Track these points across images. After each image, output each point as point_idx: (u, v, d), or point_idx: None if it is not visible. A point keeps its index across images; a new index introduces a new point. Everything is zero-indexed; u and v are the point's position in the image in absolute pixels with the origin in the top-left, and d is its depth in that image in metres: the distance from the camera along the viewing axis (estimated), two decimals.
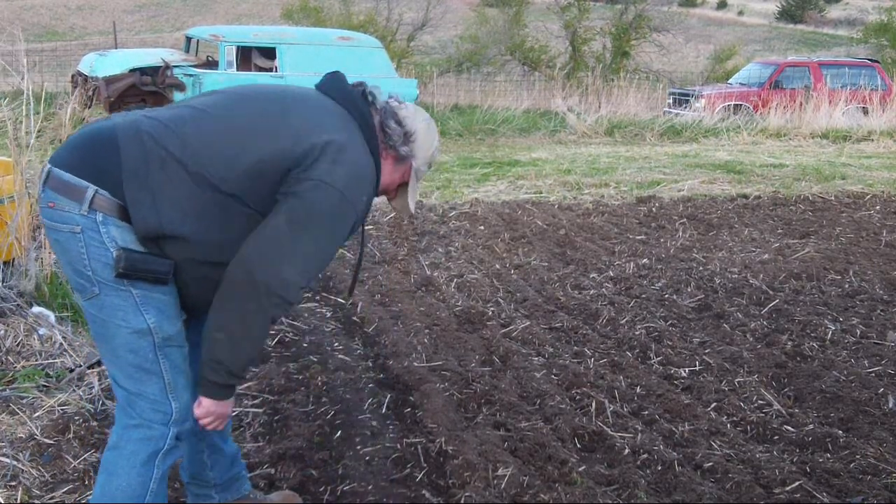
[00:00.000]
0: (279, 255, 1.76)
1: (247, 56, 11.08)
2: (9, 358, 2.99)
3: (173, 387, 1.86)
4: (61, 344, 3.11)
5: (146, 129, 1.80)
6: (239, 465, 2.23)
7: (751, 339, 3.72)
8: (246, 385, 3.06)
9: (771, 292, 4.37)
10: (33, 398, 2.82)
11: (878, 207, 6.75)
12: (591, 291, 4.34)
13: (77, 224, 1.77)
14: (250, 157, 1.78)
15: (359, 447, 2.63)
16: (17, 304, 3.21)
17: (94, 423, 2.72)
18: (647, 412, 2.95)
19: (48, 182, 1.80)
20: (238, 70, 10.75)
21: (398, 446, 2.63)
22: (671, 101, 15.77)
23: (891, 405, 3.04)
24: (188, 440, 2.07)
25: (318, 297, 4.10)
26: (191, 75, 10.05)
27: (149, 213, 1.75)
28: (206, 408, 1.84)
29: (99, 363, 3.09)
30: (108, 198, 1.76)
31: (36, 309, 3.25)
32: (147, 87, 9.82)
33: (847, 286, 4.53)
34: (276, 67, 11.01)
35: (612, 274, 4.67)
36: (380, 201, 6.46)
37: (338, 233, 1.85)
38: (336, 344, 3.51)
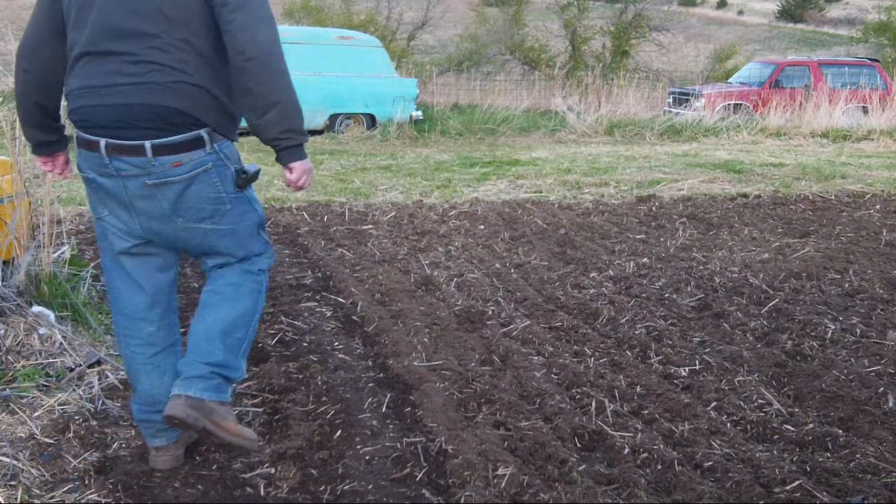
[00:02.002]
0: (252, 28, 2.22)
1: None
2: (8, 357, 2.99)
3: (270, 247, 2.58)
4: (61, 343, 3.11)
5: None
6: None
7: (751, 338, 3.72)
8: (245, 384, 3.06)
9: (771, 291, 4.37)
10: (33, 397, 2.82)
11: (878, 207, 6.75)
12: (591, 291, 4.34)
13: (206, 161, 2.29)
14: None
15: (359, 447, 2.63)
16: (17, 304, 3.21)
17: (94, 423, 2.72)
18: (646, 411, 2.95)
19: (157, 153, 2.23)
20: None
21: (398, 446, 2.63)
22: (671, 100, 15.79)
23: (891, 404, 3.04)
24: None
25: (318, 297, 4.10)
26: None
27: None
28: (298, 170, 2.36)
29: (99, 362, 3.09)
30: (212, 131, 2.30)
31: (36, 308, 3.25)
32: None
33: (847, 285, 4.53)
34: None
35: (612, 273, 4.67)
36: (380, 201, 6.46)
37: None
38: (336, 343, 3.51)
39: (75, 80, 2.30)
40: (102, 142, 2.25)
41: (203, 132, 2.27)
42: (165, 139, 2.23)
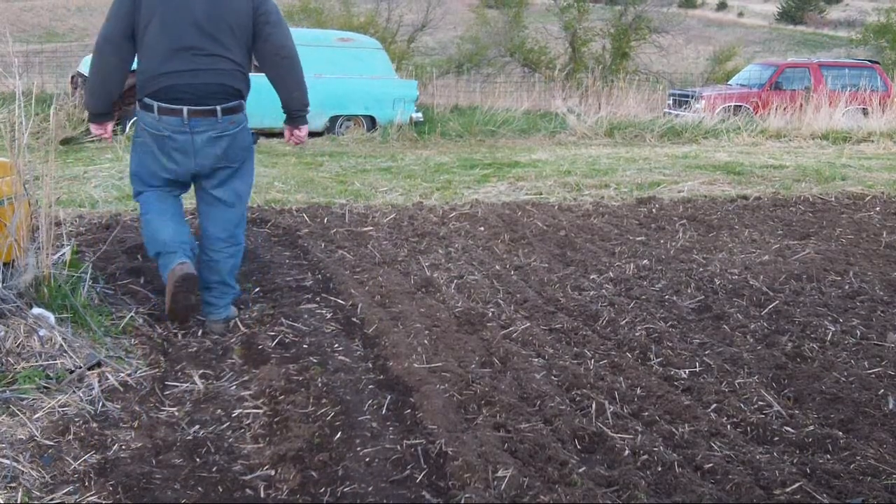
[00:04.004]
0: (286, 37, 3.53)
1: None
2: (9, 359, 2.98)
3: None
4: (61, 345, 3.10)
5: None
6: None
7: (751, 340, 3.72)
8: (245, 386, 3.06)
9: (771, 293, 4.37)
10: (33, 399, 2.82)
11: (878, 209, 6.75)
12: (591, 293, 4.34)
13: (243, 121, 3.52)
14: None
15: (359, 448, 2.63)
16: (17, 306, 3.21)
17: (95, 425, 2.72)
18: (647, 413, 2.95)
19: (224, 114, 3.40)
20: None
21: (398, 448, 2.63)
22: (671, 102, 15.79)
23: (891, 406, 3.04)
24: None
25: (318, 299, 4.10)
26: None
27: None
28: (305, 129, 3.77)
29: (99, 364, 3.09)
30: (243, 101, 3.52)
31: (36, 310, 3.25)
32: None
33: (847, 287, 4.53)
34: None
35: (612, 275, 4.67)
36: (381, 202, 6.45)
37: None
38: (336, 345, 3.51)
39: (164, 65, 3.33)
40: (185, 109, 3.34)
41: (243, 101, 3.49)
42: (228, 104, 3.41)
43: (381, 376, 3.20)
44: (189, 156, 3.41)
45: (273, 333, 3.61)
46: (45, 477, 2.41)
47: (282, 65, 3.50)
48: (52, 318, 3.24)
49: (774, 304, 4.19)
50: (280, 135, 11.22)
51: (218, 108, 3.37)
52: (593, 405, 2.97)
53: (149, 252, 3.65)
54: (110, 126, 3.58)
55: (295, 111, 3.66)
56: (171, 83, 3.33)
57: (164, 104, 3.33)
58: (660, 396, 3.07)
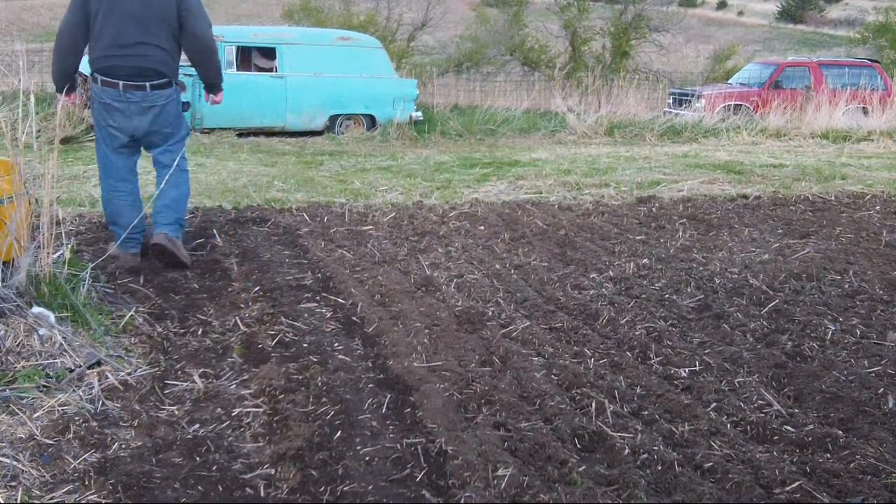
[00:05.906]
0: (205, 28, 4.41)
1: (247, 56, 11.08)
2: (9, 358, 2.98)
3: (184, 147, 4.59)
4: (61, 344, 3.10)
5: None
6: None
7: (751, 339, 3.72)
8: (246, 385, 3.06)
9: (771, 292, 4.37)
10: (33, 398, 2.82)
11: (878, 208, 6.75)
12: (591, 292, 4.34)
13: (172, 95, 4.38)
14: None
15: (359, 447, 2.63)
16: (17, 305, 3.21)
17: (94, 424, 2.72)
18: (647, 412, 2.95)
19: (152, 89, 4.27)
20: (238, 70, 10.74)
21: (398, 446, 2.63)
22: (671, 101, 15.79)
23: (891, 405, 3.04)
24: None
25: (318, 298, 4.10)
26: (190, 75, 10.06)
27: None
28: (221, 95, 4.72)
29: (99, 363, 3.09)
30: (173, 79, 4.40)
31: (36, 309, 3.25)
32: None
33: (847, 286, 4.53)
34: (275, 67, 11.02)
35: (611, 274, 4.67)
36: (380, 201, 6.45)
37: None
38: (336, 344, 3.51)
39: (107, 50, 4.20)
40: (121, 83, 4.22)
41: (171, 79, 4.37)
42: (156, 81, 4.29)
43: (381, 375, 3.20)
44: (127, 119, 4.29)
45: (273, 332, 3.61)
46: (44, 476, 2.41)
47: (201, 50, 4.45)
48: (52, 316, 3.24)
49: (774, 303, 4.19)
50: (280, 133, 11.29)
51: (147, 84, 4.26)
52: (593, 404, 2.97)
53: (106, 217, 4.57)
54: (74, 95, 4.48)
55: (211, 83, 4.68)
56: (111, 63, 4.22)
57: (105, 78, 4.24)
58: (660, 395, 3.07)
